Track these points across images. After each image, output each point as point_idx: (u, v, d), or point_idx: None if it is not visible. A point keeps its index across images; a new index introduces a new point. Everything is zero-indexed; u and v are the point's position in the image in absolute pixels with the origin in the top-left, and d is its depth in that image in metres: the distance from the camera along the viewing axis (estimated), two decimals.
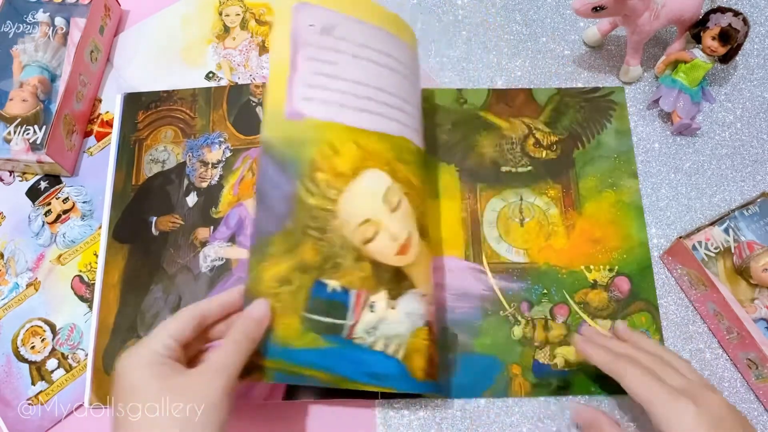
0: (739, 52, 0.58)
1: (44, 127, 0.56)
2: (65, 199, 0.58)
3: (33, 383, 0.52)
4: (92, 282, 0.55)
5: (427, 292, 0.47)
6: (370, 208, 0.45)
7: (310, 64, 0.45)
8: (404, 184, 0.47)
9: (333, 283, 0.44)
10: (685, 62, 0.59)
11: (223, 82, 0.63)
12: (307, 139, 0.45)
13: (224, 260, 0.54)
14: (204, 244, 0.54)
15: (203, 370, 0.38)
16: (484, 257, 0.55)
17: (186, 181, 0.56)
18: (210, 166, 0.57)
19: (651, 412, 0.42)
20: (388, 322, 0.44)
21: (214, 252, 0.54)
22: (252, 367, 0.41)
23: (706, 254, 0.52)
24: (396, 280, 0.45)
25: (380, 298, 0.44)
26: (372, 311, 0.44)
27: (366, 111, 0.46)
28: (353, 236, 0.44)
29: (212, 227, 0.55)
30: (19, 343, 0.53)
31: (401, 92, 0.49)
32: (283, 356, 0.42)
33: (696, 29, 0.58)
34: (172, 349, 0.39)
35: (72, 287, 0.55)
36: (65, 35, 0.60)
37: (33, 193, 0.59)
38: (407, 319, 0.44)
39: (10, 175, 0.59)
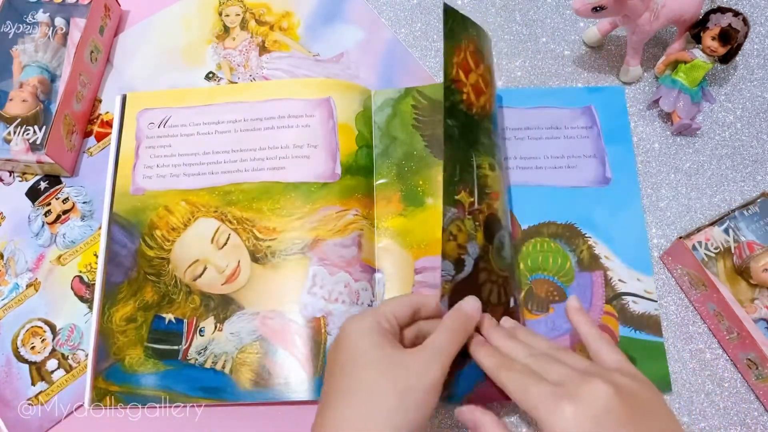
0: (739, 52, 0.59)
1: (44, 127, 0.56)
2: (65, 200, 0.58)
3: (33, 383, 0.52)
4: (92, 282, 0.55)
5: (261, 309, 0.52)
6: (199, 249, 0.55)
7: (148, 151, 0.59)
8: (234, 222, 0.56)
9: (169, 316, 0.53)
10: (685, 62, 0.59)
11: (223, 83, 0.63)
12: (147, 206, 0.57)
13: None
14: None
15: (422, 352, 0.40)
16: None
17: None
18: None
19: (535, 418, 0.38)
20: (215, 343, 0.52)
21: None
22: (107, 393, 0.50)
23: (706, 254, 0.52)
24: (223, 306, 0.53)
25: (208, 323, 0.53)
26: (201, 335, 0.52)
27: (194, 174, 0.58)
28: (184, 275, 0.54)
29: None
30: (19, 343, 0.53)
31: (238, 145, 0.59)
32: (130, 381, 0.51)
33: (696, 29, 0.58)
34: (393, 326, 0.41)
35: (72, 288, 0.55)
36: (65, 35, 0.60)
37: (33, 194, 0.59)
38: (233, 338, 0.52)
39: (10, 175, 0.59)
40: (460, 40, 0.51)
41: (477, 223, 0.47)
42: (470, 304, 0.44)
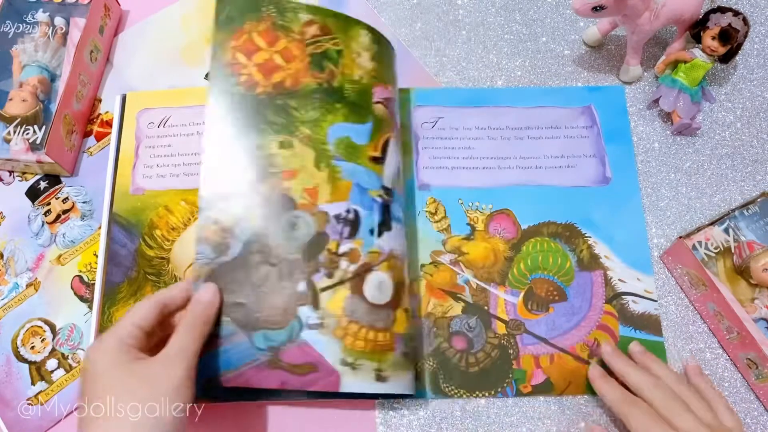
0: (739, 52, 0.59)
1: (44, 127, 0.56)
2: (65, 199, 0.58)
3: (33, 383, 0.52)
4: (92, 282, 0.55)
5: None
6: None
7: (148, 151, 0.59)
8: None
9: None
10: (685, 62, 0.59)
11: None
12: (147, 206, 0.56)
13: None
14: None
15: (163, 356, 0.40)
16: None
17: None
18: None
19: None
20: None
21: None
22: None
23: (706, 254, 0.52)
24: None
25: None
26: None
27: (194, 174, 0.57)
28: (184, 275, 0.54)
29: None
30: (18, 343, 0.53)
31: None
32: None
33: (696, 29, 0.58)
34: (136, 338, 0.40)
35: (72, 287, 0.55)
36: (65, 35, 0.60)
37: (33, 193, 0.59)
38: None
39: (10, 175, 0.59)
40: (242, 22, 0.50)
41: (251, 205, 0.46)
42: (206, 292, 0.44)
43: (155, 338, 0.43)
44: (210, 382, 0.43)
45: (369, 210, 0.49)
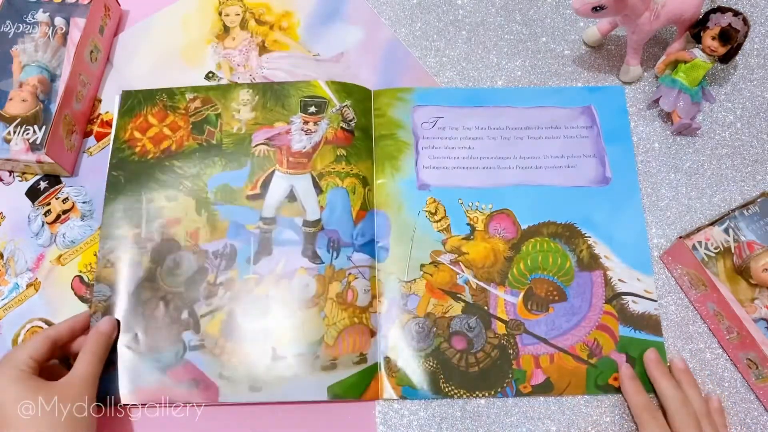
0: (739, 52, 0.58)
1: (44, 127, 0.56)
2: (65, 199, 0.58)
3: None
4: (92, 282, 0.55)
5: None
6: None
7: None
8: None
9: None
10: (685, 62, 0.59)
11: (223, 82, 0.63)
12: None
13: None
14: None
15: (69, 379, 0.46)
16: None
17: None
18: None
19: None
20: None
21: None
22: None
23: (706, 254, 0.52)
24: None
25: None
26: None
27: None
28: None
29: None
30: (19, 343, 0.53)
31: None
32: None
33: (696, 29, 0.58)
34: (31, 367, 0.45)
35: (72, 288, 0.55)
36: (65, 35, 0.60)
37: (33, 193, 0.59)
38: None
39: (10, 175, 0.59)
40: (141, 109, 0.59)
41: (142, 249, 0.54)
42: (106, 324, 0.51)
43: (47, 366, 0.48)
44: (109, 400, 0.50)
45: (246, 243, 0.54)
